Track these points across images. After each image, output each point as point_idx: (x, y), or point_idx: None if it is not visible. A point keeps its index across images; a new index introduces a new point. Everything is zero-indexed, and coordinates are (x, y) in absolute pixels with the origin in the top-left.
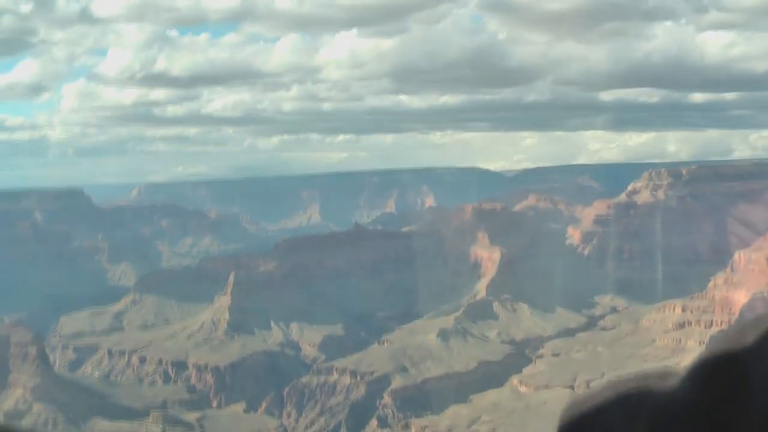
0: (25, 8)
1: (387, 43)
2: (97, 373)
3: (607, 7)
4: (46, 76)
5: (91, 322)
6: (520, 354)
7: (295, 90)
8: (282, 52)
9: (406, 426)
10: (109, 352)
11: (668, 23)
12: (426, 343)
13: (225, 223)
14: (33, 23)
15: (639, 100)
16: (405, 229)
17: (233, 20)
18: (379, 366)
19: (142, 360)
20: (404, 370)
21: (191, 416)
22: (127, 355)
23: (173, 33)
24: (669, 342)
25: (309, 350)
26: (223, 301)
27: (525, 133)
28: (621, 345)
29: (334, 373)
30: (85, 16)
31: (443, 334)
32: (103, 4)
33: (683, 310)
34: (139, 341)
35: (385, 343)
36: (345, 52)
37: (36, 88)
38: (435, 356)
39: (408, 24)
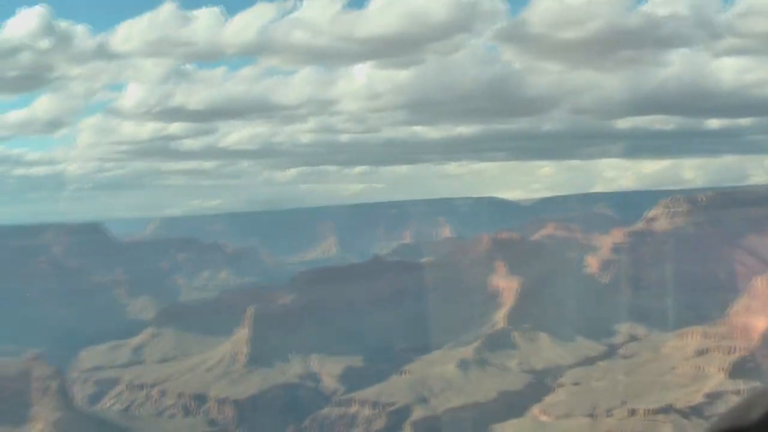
0: (44, 44)
1: (403, 75)
2: (117, 406)
3: (622, 35)
4: (64, 111)
5: (110, 355)
6: (540, 383)
7: (311, 122)
8: (298, 84)
9: None
10: (129, 386)
11: (683, 50)
12: (446, 374)
13: (242, 256)
14: (51, 59)
15: (654, 128)
16: (423, 260)
17: (250, 54)
18: (399, 397)
19: (162, 393)
20: (424, 401)
21: None
22: (146, 389)
23: (190, 67)
24: (689, 369)
25: (329, 382)
26: (242, 334)
27: (541, 163)
28: (641, 373)
29: (354, 404)
30: (103, 52)
31: (463, 365)
32: (121, 39)
33: (703, 336)
34: (158, 375)
35: (405, 374)
36: (361, 84)
37: (54, 123)
38: (455, 387)
39: (424, 55)
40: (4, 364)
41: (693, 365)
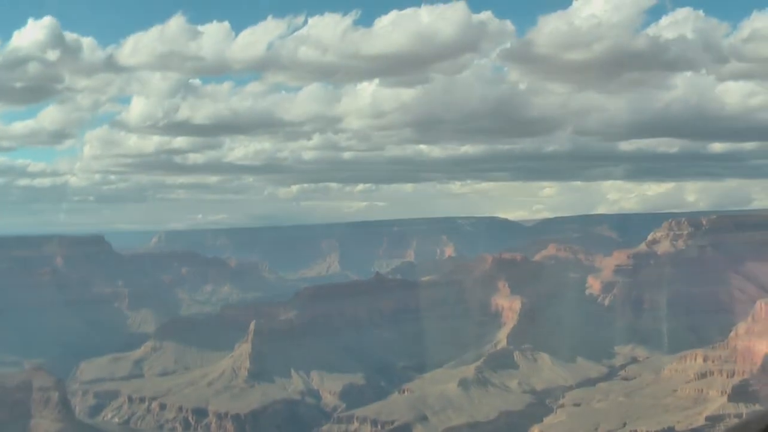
0: (51, 56)
1: (408, 93)
2: (117, 419)
3: (628, 57)
4: (70, 123)
5: (110, 368)
6: (541, 404)
7: (315, 139)
8: (304, 101)
9: None
10: (129, 399)
11: (688, 73)
12: (447, 393)
13: (244, 271)
14: (58, 71)
15: (658, 150)
16: (425, 278)
17: (256, 69)
18: (399, 415)
19: (162, 407)
20: (425, 419)
21: None
22: (147, 402)
23: (196, 82)
24: (691, 392)
25: (329, 399)
26: (244, 349)
27: (544, 183)
28: (642, 395)
29: (355, 422)
30: (110, 65)
31: (464, 384)
32: (128, 52)
33: (705, 359)
34: (159, 388)
35: (406, 392)
36: (366, 102)
37: (59, 135)
38: (456, 405)
39: (430, 74)
40: (5, 374)
41: (694, 388)
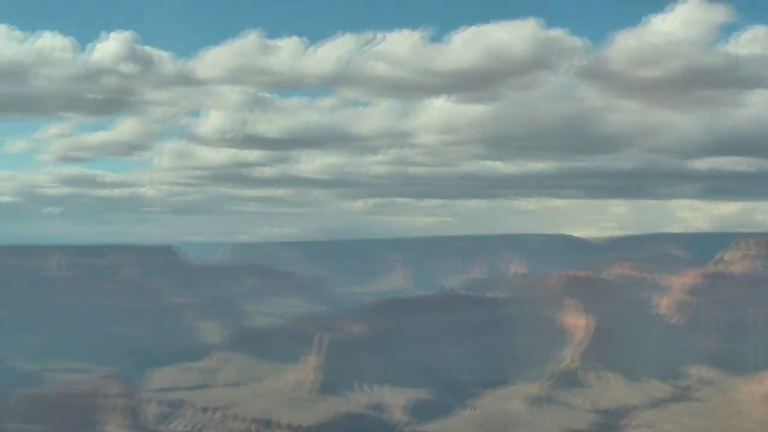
0: (128, 69)
1: (480, 110)
2: (184, 428)
3: (701, 74)
4: (144, 135)
5: (178, 377)
6: (608, 424)
7: (386, 154)
8: (375, 116)
9: None
10: (197, 408)
11: (763, 91)
12: (513, 410)
13: (312, 284)
14: (134, 83)
15: (730, 169)
16: (493, 294)
17: (329, 84)
18: None
19: (229, 417)
20: None
21: None
22: (213, 412)
23: (269, 95)
24: (760, 414)
25: (394, 413)
26: (310, 361)
27: (614, 201)
28: (712, 417)
29: None
30: (185, 78)
31: (530, 401)
32: (203, 66)
33: None
34: (226, 398)
35: (472, 409)
36: (438, 117)
37: (133, 147)
38: (522, 423)
39: (502, 91)
40: (75, 380)
41: (763, 410)
